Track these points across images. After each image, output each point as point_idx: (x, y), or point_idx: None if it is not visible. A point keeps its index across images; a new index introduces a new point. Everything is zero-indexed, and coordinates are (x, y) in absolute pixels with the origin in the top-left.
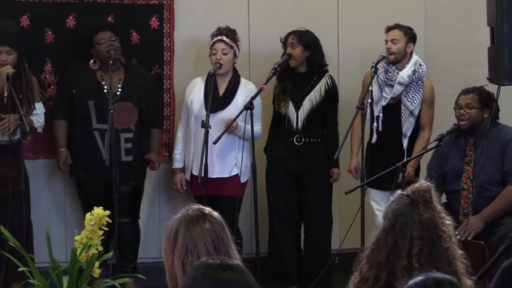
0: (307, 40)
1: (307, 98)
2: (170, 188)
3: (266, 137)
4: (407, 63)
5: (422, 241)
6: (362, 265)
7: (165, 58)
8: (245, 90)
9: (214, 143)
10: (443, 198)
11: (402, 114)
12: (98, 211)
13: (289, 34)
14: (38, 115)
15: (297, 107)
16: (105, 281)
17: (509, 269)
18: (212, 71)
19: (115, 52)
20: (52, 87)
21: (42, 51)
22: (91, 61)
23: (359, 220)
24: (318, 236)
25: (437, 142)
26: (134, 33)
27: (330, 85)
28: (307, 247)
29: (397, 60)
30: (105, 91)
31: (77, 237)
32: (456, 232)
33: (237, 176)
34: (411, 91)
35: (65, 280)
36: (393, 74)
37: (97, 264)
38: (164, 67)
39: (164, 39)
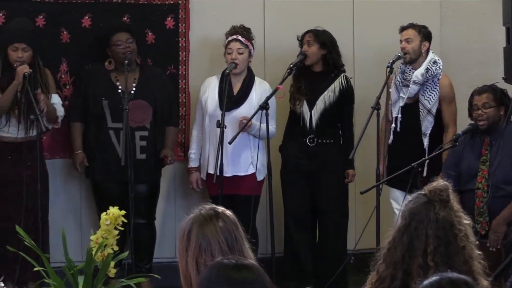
0: (323, 39)
1: (321, 98)
2: (185, 187)
3: (281, 136)
4: (423, 61)
5: (438, 239)
6: (379, 264)
7: (180, 58)
8: (260, 89)
9: (230, 143)
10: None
11: (420, 113)
12: (114, 210)
13: (306, 32)
14: (56, 104)
15: (311, 106)
16: (120, 281)
17: None
18: (227, 71)
19: (131, 54)
20: (67, 86)
21: (58, 51)
22: (107, 62)
23: (374, 220)
24: (333, 236)
25: (452, 142)
26: (150, 33)
27: (344, 85)
28: (323, 247)
29: (412, 60)
30: (119, 90)
31: (92, 237)
32: (487, 242)
33: (253, 175)
34: (427, 90)
35: (80, 279)
36: (409, 74)
37: (112, 264)
38: (180, 67)
39: (180, 39)
